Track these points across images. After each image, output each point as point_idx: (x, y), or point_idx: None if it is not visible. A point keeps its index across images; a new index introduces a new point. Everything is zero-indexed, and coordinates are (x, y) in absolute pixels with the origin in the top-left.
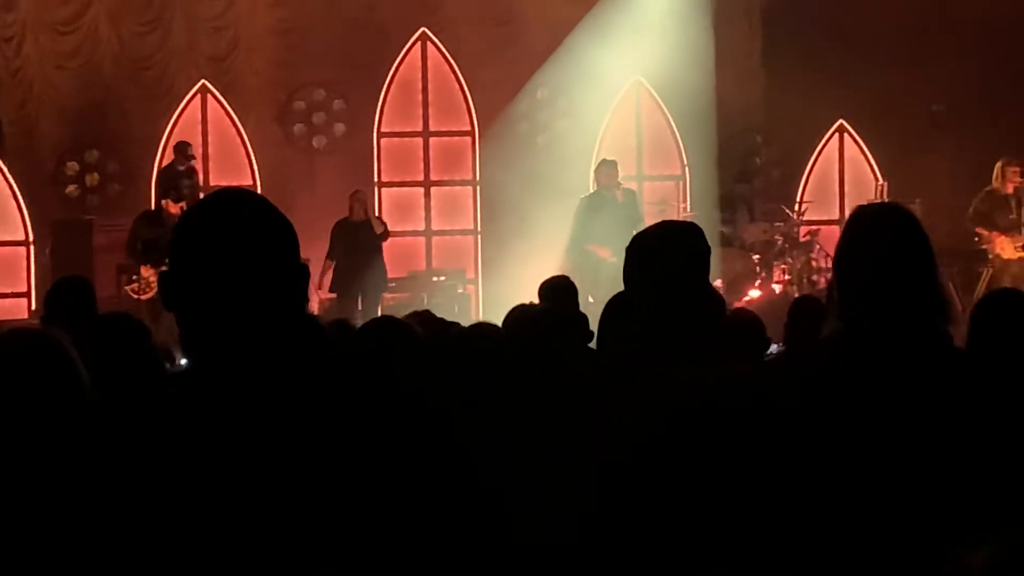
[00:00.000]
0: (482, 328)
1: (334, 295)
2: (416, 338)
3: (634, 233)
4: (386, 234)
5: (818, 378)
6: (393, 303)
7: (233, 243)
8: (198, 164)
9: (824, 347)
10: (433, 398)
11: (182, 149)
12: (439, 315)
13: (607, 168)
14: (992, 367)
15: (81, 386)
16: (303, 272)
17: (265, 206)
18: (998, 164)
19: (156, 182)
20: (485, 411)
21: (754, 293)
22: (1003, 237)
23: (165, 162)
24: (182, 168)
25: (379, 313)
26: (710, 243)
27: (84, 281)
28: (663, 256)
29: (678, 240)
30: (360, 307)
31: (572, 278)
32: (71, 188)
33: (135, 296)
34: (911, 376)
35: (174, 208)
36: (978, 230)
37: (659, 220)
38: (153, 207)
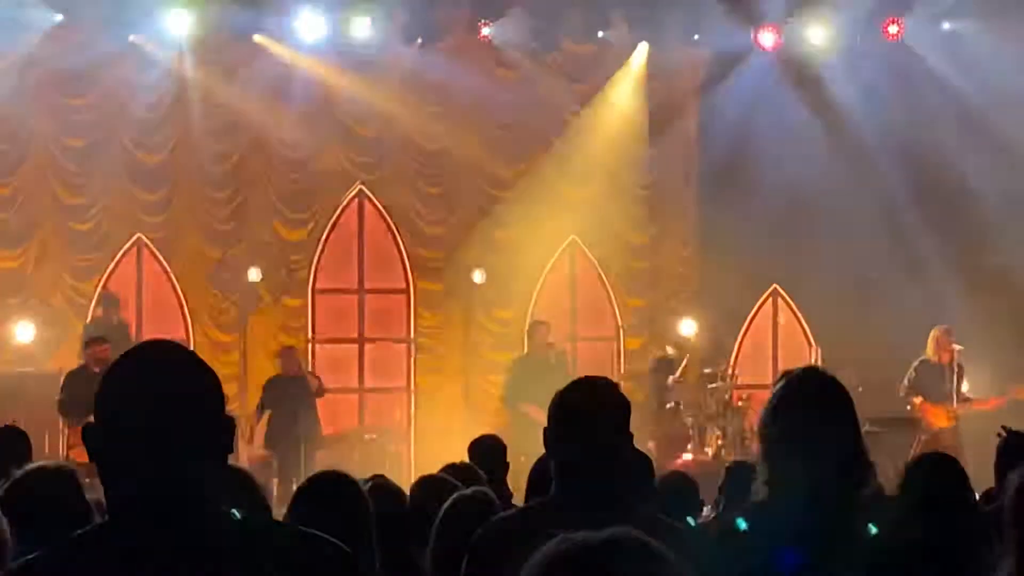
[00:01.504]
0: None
1: (266, 451)
2: (361, 498)
3: None
4: (321, 390)
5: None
6: (325, 459)
7: (157, 396)
8: (131, 318)
9: (747, 514)
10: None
11: (111, 302)
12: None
13: (539, 329)
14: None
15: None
16: (229, 425)
17: (191, 358)
18: (933, 333)
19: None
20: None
21: (687, 456)
22: (936, 407)
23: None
24: (113, 322)
25: (313, 469)
26: (647, 406)
27: (20, 432)
28: (586, 417)
29: (600, 400)
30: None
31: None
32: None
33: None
34: (827, 545)
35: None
36: (912, 399)
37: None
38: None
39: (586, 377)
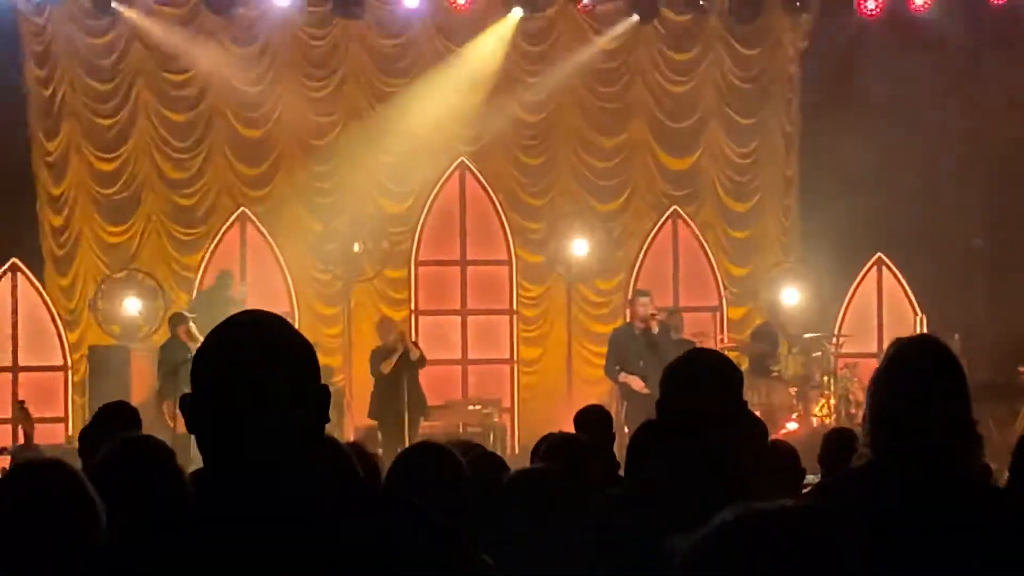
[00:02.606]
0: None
1: (373, 421)
2: (461, 469)
3: (665, 366)
4: (423, 360)
5: (847, 512)
6: (429, 431)
7: (252, 367)
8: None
9: (852, 480)
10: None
11: (223, 279)
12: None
13: (641, 299)
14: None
15: (96, 518)
16: (324, 394)
17: (285, 328)
18: None
19: (192, 307)
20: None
21: (791, 425)
22: None
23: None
24: (223, 295)
25: (416, 439)
26: (750, 374)
27: (129, 407)
28: (697, 385)
29: (711, 370)
30: (403, 432)
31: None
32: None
33: (171, 424)
34: (938, 512)
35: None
36: (1021, 368)
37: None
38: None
39: (701, 348)
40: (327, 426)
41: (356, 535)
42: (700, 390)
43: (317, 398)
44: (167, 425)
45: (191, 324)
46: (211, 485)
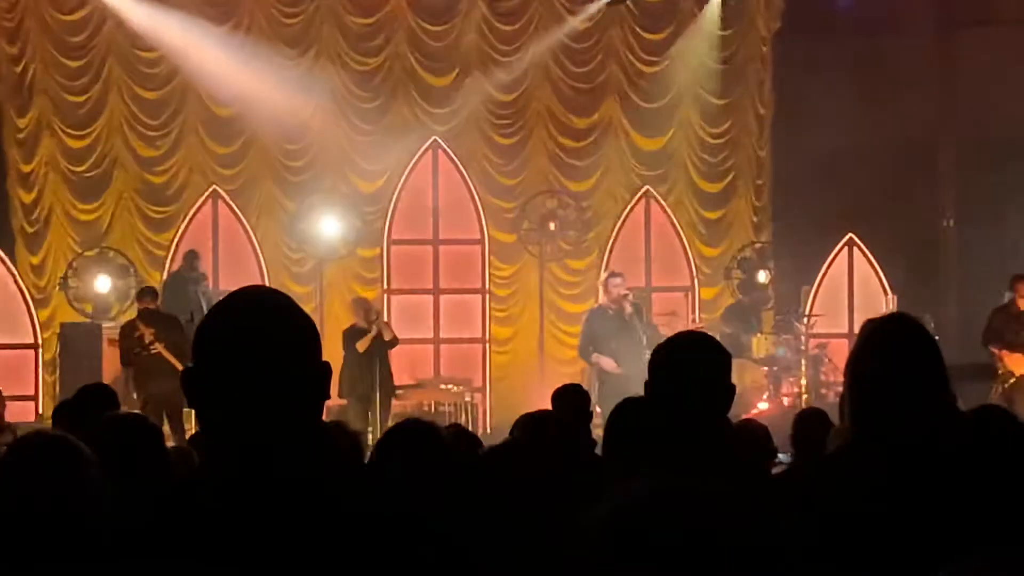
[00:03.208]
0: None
1: (342, 400)
2: (445, 446)
3: (638, 346)
4: (395, 341)
5: (832, 490)
6: (400, 410)
7: (256, 341)
8: (207, 269)
9: (835, 457)
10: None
11: (190, 259)
12: (446, 422)
13: (614, 280)
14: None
15: (99, 491)
16: (326, 371)
17: (288, 304)
18: (1013, 281)
19: (163, 289)
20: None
21: (762, 406)
22: (1016, 354)
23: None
24: (190, 275)
25: (388, 420)
26: None
27: (108, 388)
28: (695, 366)
29: (704, 351)
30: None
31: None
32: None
33: (145, 353)
34: (924, 483)
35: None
36: (991, 348)
37: (668, 332)
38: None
39: (687, 331)
40: None
41: (355, 514)
42: (695, 373)
43: (319, 373)
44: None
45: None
46: (213, 459)
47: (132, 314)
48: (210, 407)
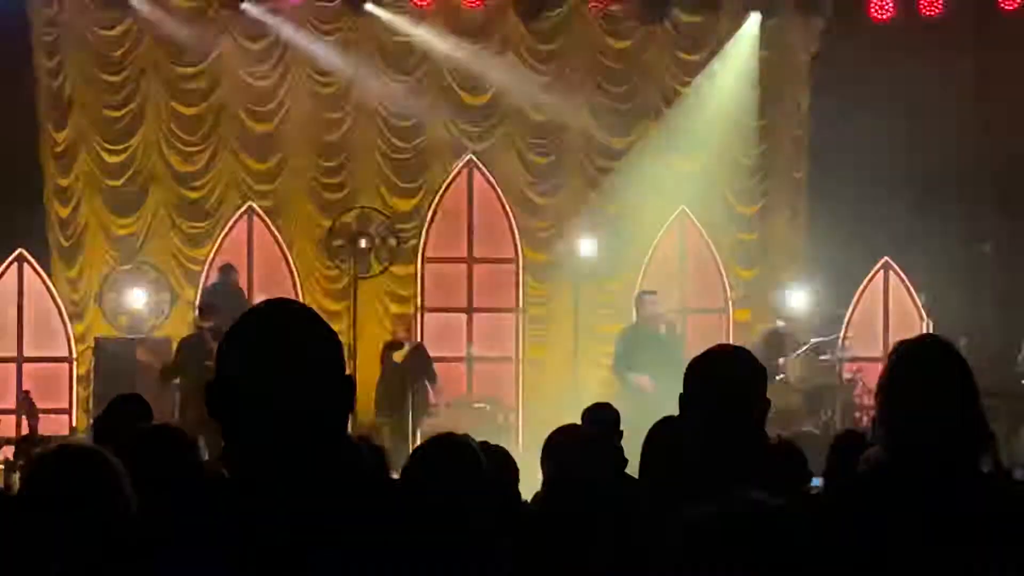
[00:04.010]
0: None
1: (376, 419)
2: (480, 462)
3: (673, 365)
4: (434, 377)
5: (862, 512)
6: (432, 429)
7: (280, 354)
8: (242, 284)
9: (866, 479)
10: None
11: (225, 272)
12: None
13: (648, 299)
14: None
15: (127, 503)
16: (350, 384)
17: (312, 317)
18: None
19: (199, 302)
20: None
21: (797, 429)
22: None
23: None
24: (223, 290)
25: (419, 438)
26: None
27: (141, 399)
28: (726, 380)
29: (740, 364)
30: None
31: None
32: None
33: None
34: (954, 510)
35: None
36: None
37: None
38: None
39: (724, 344)
40: None
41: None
42: (729, 386)
43: (343, 387)
44: (175, 417)
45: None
46: (239, 471)
47: (167, 330)
48: (234, 419)
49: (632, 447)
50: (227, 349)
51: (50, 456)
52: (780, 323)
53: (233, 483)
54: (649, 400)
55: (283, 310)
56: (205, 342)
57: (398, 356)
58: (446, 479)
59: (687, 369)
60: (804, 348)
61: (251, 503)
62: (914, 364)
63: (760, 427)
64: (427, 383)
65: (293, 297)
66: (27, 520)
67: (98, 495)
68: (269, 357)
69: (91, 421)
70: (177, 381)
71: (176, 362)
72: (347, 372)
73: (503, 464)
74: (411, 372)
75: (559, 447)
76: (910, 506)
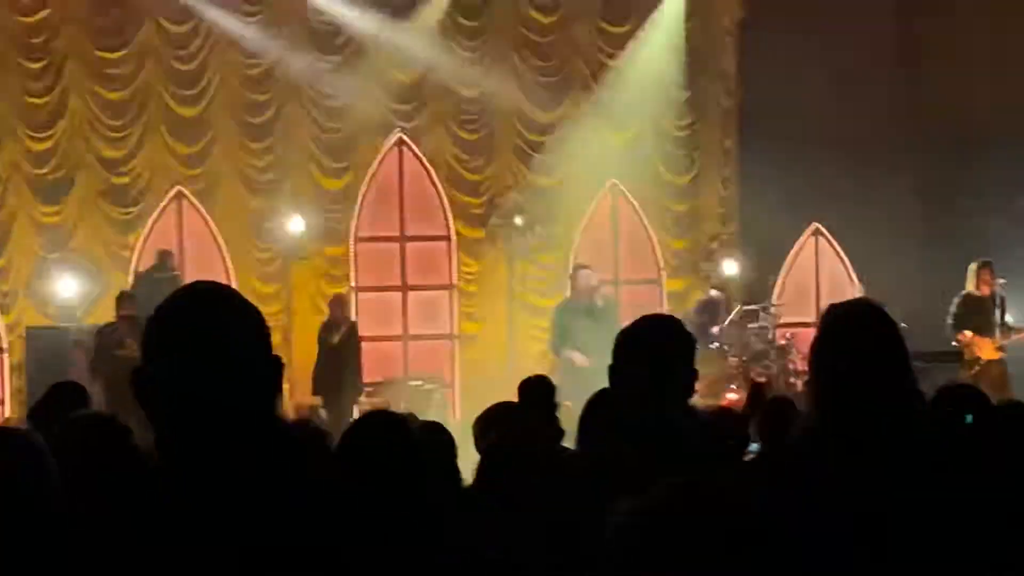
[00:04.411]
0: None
1: (314, 399)
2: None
3: (609, 339)
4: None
5: (796, 477)
6: (369, 408)
7: (202, 338)
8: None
9: (800, 443)
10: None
11: (163, 258)
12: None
13: (582, 272)
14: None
15: (51, 484)
16: (277, 364)
17: (236, 298)
18: (972, 266)
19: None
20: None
21: (731, 396)
22: (983, 339)
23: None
24: (160, 276)
25: (353, 417)
26: None
27: (79, 386)
28: (654, 350)
29: (667, 333)
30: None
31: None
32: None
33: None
34: (887, 471)
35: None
36: (960, 334)
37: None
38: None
39: (653, 314)
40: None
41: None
42: (655, 356)
43: (271, 369)
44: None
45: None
46: (166, 458)
47: (98, 318)
48: (162, 405)
49: (571, 421)
50: (150, 334)
51: None
52: (713, 292)
53: (162, 470)
54: (587, 373)
55: (205, 293)
56: (116, 331)
57: (335, 337)
58: (379, 455)
59: (615, 340)
60: (734, 313)
61: (179, 489)
62: (846, 327)
63: (688, 395)
64: (359, 363)
65: (225, 280)
66: None
67: (20, 476)
68: (191, 341)
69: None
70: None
71: (93, 351)
72: (274, 353)
73: (440, 439)
74: (347, 352)
75: (495, 422)
76: (845, 467)
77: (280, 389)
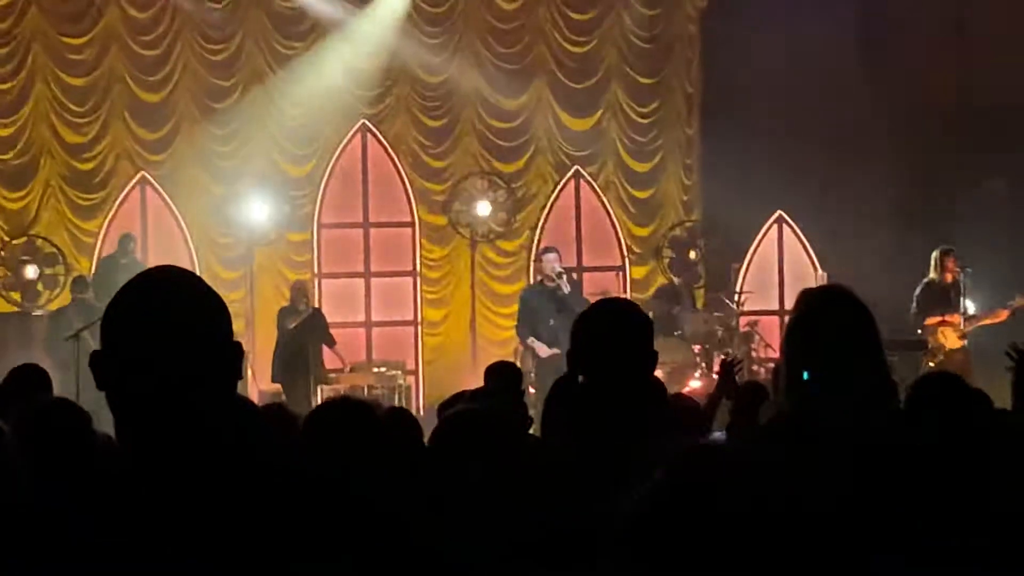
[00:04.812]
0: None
1: (276, 385)
2: (378, 421)
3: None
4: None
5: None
6: (333, 394)
7: (163, 321)
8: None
9: (771, 429)
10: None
11: (124, 243)
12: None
13: (548, 256)
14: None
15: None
16: (237, 349)
17: (196, 283)
18: (935, 254)
19: (94, 273)
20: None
21: (695, 384)
22: (946, 327)
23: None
24: (123, 261)
25: (317, 403)
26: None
27: (40, 369)
28: (611, 334)
29: (624, 317)
30: (308, 396)
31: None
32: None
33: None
34: (856, 459)
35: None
36: (925, 321)
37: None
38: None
39: (609, 298)
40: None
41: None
42: (612, 340)
43: (231, 352)
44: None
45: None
46: (125, 441)
47: (62, 303)
48: (120, 387)
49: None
50: (109, 318)
51: None
52: (675, 279)
53: (121, 454)
54: (554, 359)
55: (164, 277)
56: (66, 315)
57: (291, 321)
58: (342, 440)
59: (573, 325)
60: (694, 301)
61: (140, 473)
62: (818, 313)
63: (646, 379)
64: (326, 347)
65: (189, 266)
66: None
67: None
68: (151, 323)
69: None
70: None
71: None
72: (233, 338)
73: (404, 425)
74: (308, 338)
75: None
76: (818, 454)
77: (240, 373)
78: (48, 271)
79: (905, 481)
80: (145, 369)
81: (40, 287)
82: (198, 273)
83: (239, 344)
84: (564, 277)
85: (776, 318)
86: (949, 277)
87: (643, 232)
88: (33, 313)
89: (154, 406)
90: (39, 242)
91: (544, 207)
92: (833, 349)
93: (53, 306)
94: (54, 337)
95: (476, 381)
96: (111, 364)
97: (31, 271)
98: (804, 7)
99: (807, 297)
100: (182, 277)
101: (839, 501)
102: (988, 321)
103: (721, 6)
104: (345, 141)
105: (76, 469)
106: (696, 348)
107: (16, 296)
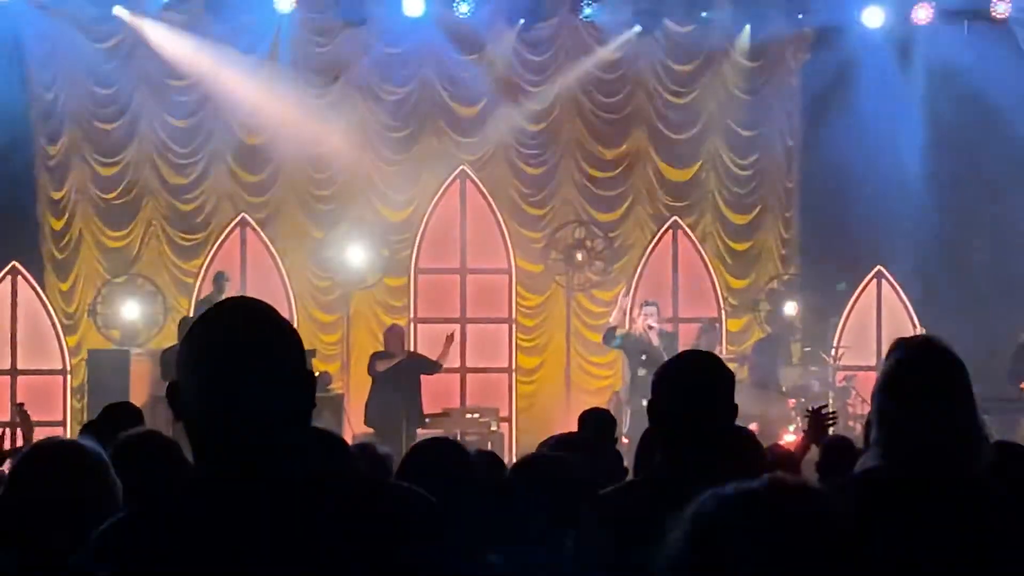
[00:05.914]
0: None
1: (370, 429)
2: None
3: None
4: (439, 365)
5: (859, 514)
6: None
7: (237, 352)
8: (234, 292)
9: (862, 480)
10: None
11: (219, 281)
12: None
13: (647, 309)
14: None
15: (115, 496)
16: (310, 379)
17: (270, 314)
18: None
19: (194, 314)
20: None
21: (789, 438)
22: None
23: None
24: (219, 299)
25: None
26: (750, 387)
27: (133, 406)
28: (693, 388)
29: (705, 369)
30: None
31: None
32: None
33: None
34: (949, 512)
35: None
36: (1021, 386)
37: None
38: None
39: (691, 350)
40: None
41: (346, 517)
42: (691, 392)
43: (304, 382)
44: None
45: None
46: (202, 470)
47: (160, 342)
48: (197, 418)
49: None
50: (184, 349)
51: (28, 453)
52: (773, 332)
53: (199, 481)
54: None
55: (239, 308)
56: (174, 354)
57: (381, 365)
58: (435, 475)
59: (654, 377)
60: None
61: (217, 497)
62: (915, 364)
63: (725, 431)
64: (418, 394)
65: (286, 309)
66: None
67: (84, 488)
68: (222, 354)
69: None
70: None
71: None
72: (307, 367)
73: (492, 464)
74: (403, 382)
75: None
76: (909, 507)
77: (313, 404)
78: (147, 310)
79: (1005, 534)
80: (216, 402)
81: (139, 325)
82: (295, 316)
83: (311, 374)
84: (654, 330)
85: (872, 373)
86: None
87: (740, 284)
88: (130, 351)
89: (227, 432)
90: (139, 281)
91: (641, 257)
92: (925, 401)
93: (152, 345)
94: (167, 376)
95: (569, 428)
96: (186, 394)
97: (131, 309)
98: (908, 62)
99: (900, 348)
100: (255, 307)
101: (933, 551)
102: None
103: (822, 59)
104: (444, 187)
105: (164, 492)
106: (791, 402)
107: (115, 333)
